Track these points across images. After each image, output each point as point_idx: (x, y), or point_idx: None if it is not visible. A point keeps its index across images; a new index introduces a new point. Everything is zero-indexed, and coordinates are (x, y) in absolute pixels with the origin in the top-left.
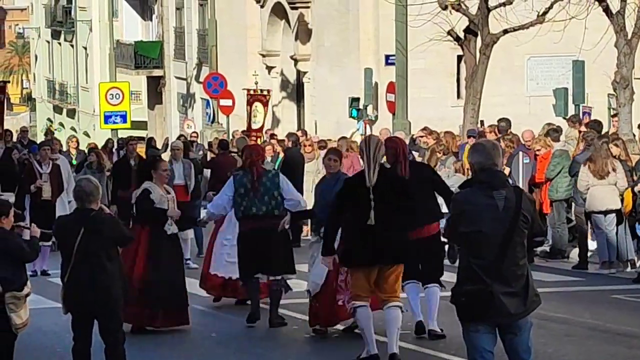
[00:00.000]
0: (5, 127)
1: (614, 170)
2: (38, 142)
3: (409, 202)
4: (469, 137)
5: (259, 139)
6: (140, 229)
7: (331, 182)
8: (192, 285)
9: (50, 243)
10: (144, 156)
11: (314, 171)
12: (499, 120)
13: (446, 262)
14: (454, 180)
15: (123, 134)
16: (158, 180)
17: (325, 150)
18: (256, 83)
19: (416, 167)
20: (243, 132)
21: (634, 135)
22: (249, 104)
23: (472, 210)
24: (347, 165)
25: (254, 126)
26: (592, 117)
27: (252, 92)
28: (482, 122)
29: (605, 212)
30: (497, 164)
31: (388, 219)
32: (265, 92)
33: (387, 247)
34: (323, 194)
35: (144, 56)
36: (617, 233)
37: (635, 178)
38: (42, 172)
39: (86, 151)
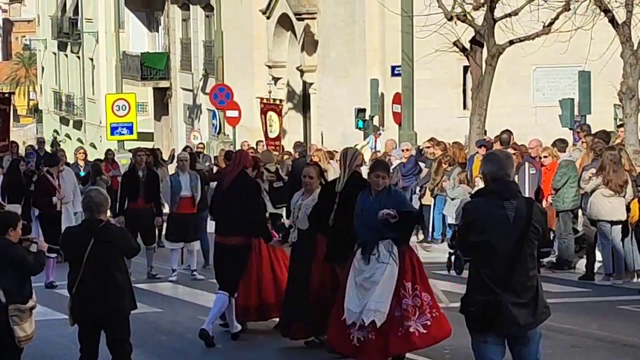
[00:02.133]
0: (12, 138)
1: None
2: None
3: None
4: (479, 146)
5: (277, 148)
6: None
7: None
8: (196, 296)
9: (55, 255)
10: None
11: None
12: (502, 132)
13: (452, 272)
14: (458, 192)
15: (129, 145)
16: None
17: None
18: (270, 92)
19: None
20: (259, 141)
21: None
22: (263, 112)
23: (483, 220)
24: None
25: (271, 135)
26: (600, 128)
27: (265, 100)
28: (485, 132)
29: (613, 223)
30: (509, 175)
31: None
32: (277, 102)
33: None
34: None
35: (150, 67)
36: (623, 245)
37: None
38: (55, 184)
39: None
